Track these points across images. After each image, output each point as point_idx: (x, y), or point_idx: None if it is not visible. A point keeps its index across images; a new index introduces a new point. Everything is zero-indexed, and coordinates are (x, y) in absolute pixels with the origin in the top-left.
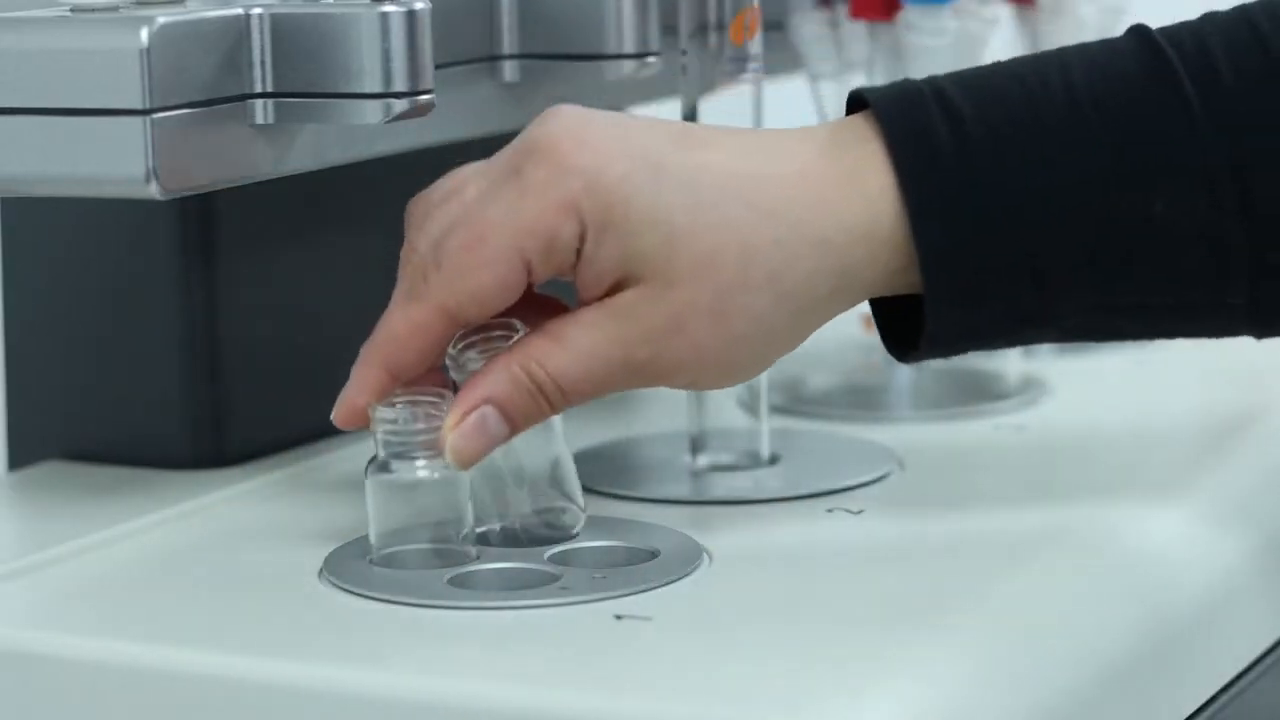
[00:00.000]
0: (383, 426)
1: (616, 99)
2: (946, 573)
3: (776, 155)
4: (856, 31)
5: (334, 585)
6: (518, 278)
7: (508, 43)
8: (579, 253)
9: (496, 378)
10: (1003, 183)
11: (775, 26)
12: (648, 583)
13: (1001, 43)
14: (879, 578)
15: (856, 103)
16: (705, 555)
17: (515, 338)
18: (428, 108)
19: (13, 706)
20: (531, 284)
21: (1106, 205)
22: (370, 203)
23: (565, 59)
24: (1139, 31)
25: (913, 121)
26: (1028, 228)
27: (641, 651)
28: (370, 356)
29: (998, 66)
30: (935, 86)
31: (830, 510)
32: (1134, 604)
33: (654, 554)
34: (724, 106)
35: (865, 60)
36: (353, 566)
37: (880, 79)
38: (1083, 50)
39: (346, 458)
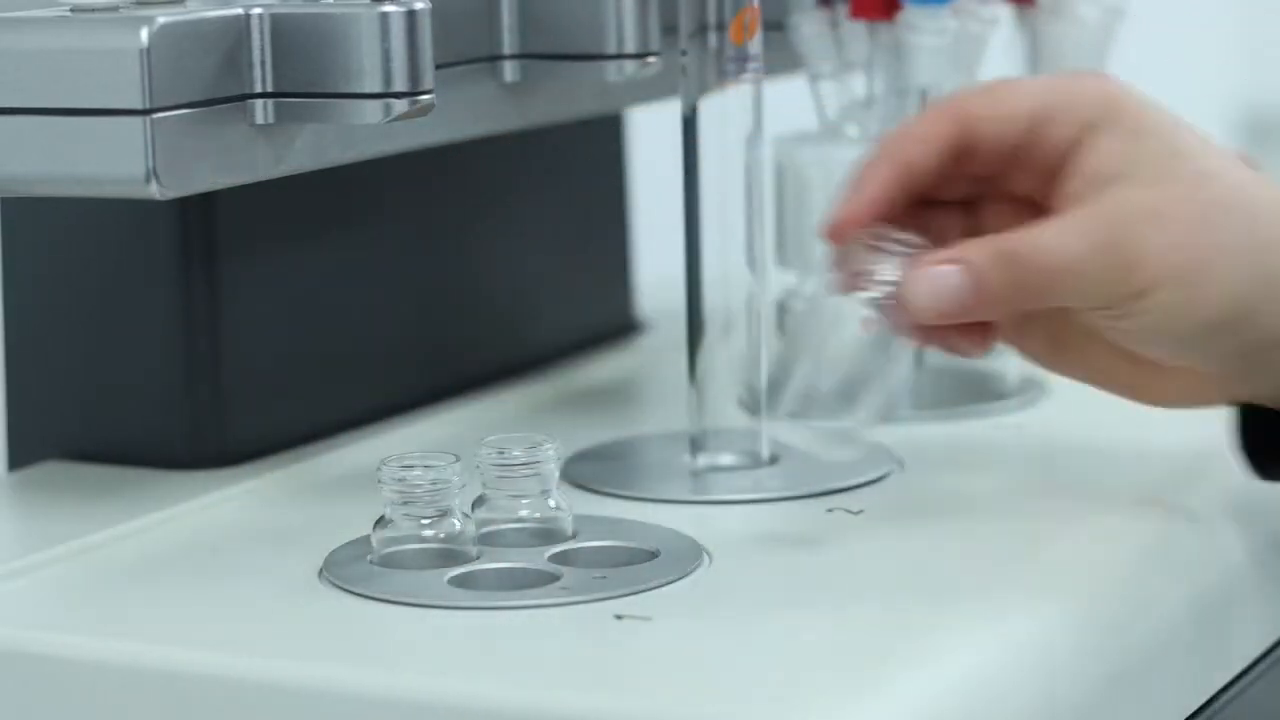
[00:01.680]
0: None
1: (616, 99)
2: (946, 573)
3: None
4: (856, 31)
5: (334, 585)
6: (1041, 117)
7: (508, 43)
8: (1086, 138)
9: (971, 245)
10: None
11: (775, 26)
12: (648, 583)
13: (1001, 43)
14: (879, 578)
15: None
16: (705, 555)
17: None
18: (428, 108)
19: (13, 706)
20: (1031, 150)
21: None
22: (370, 203)
23: (565, 59)
24: None
25: None
26: None
27: (641, 651)
28: (879, 155)
29: None
30: None
31: (830, 510)
32: (1134, 604)
33: (654, 554)
34: (724, 106)
35: (865, 60)
36: (353, 566)
37: (880, 79)
38: None
39: (346, 458)
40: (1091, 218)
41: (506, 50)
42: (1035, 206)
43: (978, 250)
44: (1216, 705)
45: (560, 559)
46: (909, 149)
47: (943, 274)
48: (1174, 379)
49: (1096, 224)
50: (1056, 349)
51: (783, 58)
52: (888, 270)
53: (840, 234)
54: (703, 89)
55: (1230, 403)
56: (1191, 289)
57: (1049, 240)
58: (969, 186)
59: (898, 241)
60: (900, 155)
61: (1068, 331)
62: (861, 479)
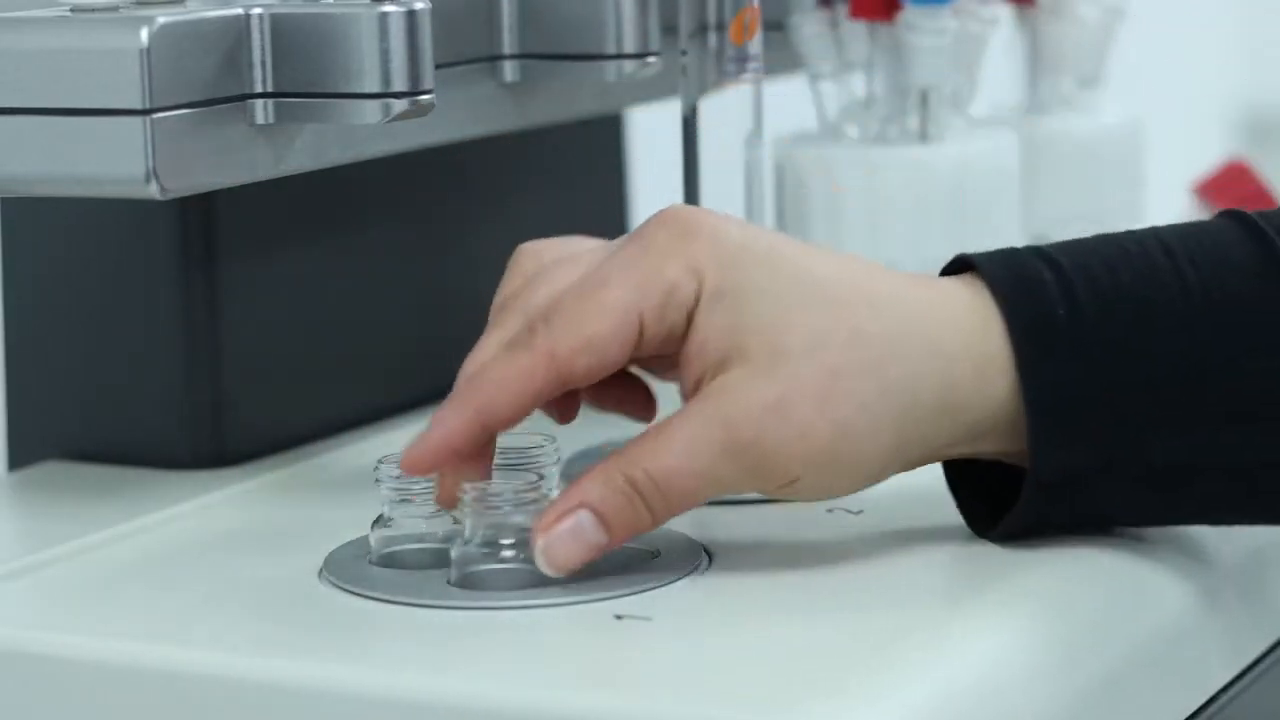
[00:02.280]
0: (472, 507)
1: (616, 99)
2: (946, 573)
3: (885, 270)
4: (856, 31)
5: (334, 585)
6: (631, 332)
7: (508, 43)
8: (689, 319)
9: (592, 482)
10: (1115, 347)
11: (775, 26)
12: (648, 583)
13: (1001, 43)
14: (879, 578)
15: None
16: (705, 555)
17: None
18: (428, 108)
19: (13, 706)
20: (636, 352)
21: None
22: (370, 203)
23: (565, 59)
24: (1236, 216)
25: (1025, 289)
26: (1135, 384)
27: (641, 651)
28: (462, 400)
29: (1098, 241)
30: (1041, 253)
31: (830, 510)
32: (1134, 603)
33: (654, 554)
34: (724, 106)
35: (865, 60)
36: (353, 566)
37: (880, 79)
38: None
39: (346, 458)
40: (710, 423)
41: (506, 50)
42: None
43: (600, 487)
44: (1216, 705)
45: None
46: (494, 397)
47: (566, 529)
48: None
49: (717, 430)
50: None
51: (783, 58)
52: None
53: (414, 471)
54: (703, 89)
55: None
56: (839, 464)
57: (675, 458)
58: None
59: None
60: (483, 401)
61: None
62: None
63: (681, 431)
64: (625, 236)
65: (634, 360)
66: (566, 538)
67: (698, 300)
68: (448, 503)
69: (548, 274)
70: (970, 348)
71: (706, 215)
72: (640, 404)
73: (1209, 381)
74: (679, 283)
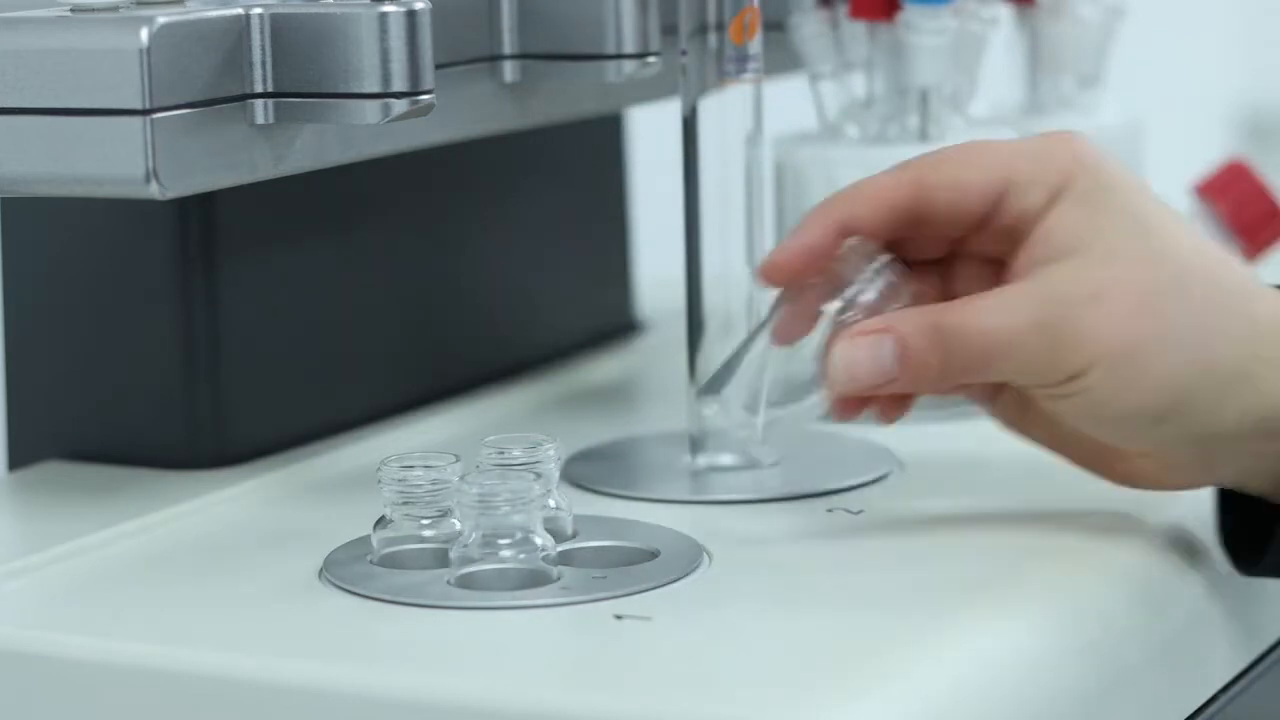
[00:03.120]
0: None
1: (616, 99)
2: (946, 573)
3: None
4: (856, 31)
5: (334, 585)
6: (999, 190)
7: (508, 43)
8: (1047, 207)
9: (903, 315)
10: None
11: (775, 26)
12: (648, 583)
13: (1001, 43)
14: (879, 578)
15: None
16: (705, 555)
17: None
18: (428, 108)
19: (13, 706)
20: (989, 219)
21: None
22: (370, 203)
23: (565, 59)
24: None
25: None
26: None
27: (641, 651)
28: (823, 209)
29: None
30: None
31: (830, 510)
32: (1134, 603)
33: (654, 554)
34: (724, 106)
35: (865, 60)
36: (353, 566)
37: (880, 79)
38: None
39: (346, 458)
40: (1031, 294)
41: (506, 50)
42: (1005, 267)
43: (909, 321)
44: (1216, 705)
45: (560, 559)
46: (856, 205)
47: (868, 344)
48: (1138, 461)
49: (1035, 301)
50: (1023, 415)
51: (783, 58)
52: (858, 292)
53: (771, 277)
54: (703, 89)
55: (1198, 486)
56: (1126, 375)
57: (984, 316)
58: (939, 247)
59: (872, 268)
60: (845, 209)
61: (1034, 401)
62: (861, 479)
63: (998, 298)
64: None
65: (975, 240)
66: (865, 350)
67: (1060, 192)
68: (791, 336)
69: None
70: (1270, 336)
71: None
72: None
73: None
74: (1054, 169)
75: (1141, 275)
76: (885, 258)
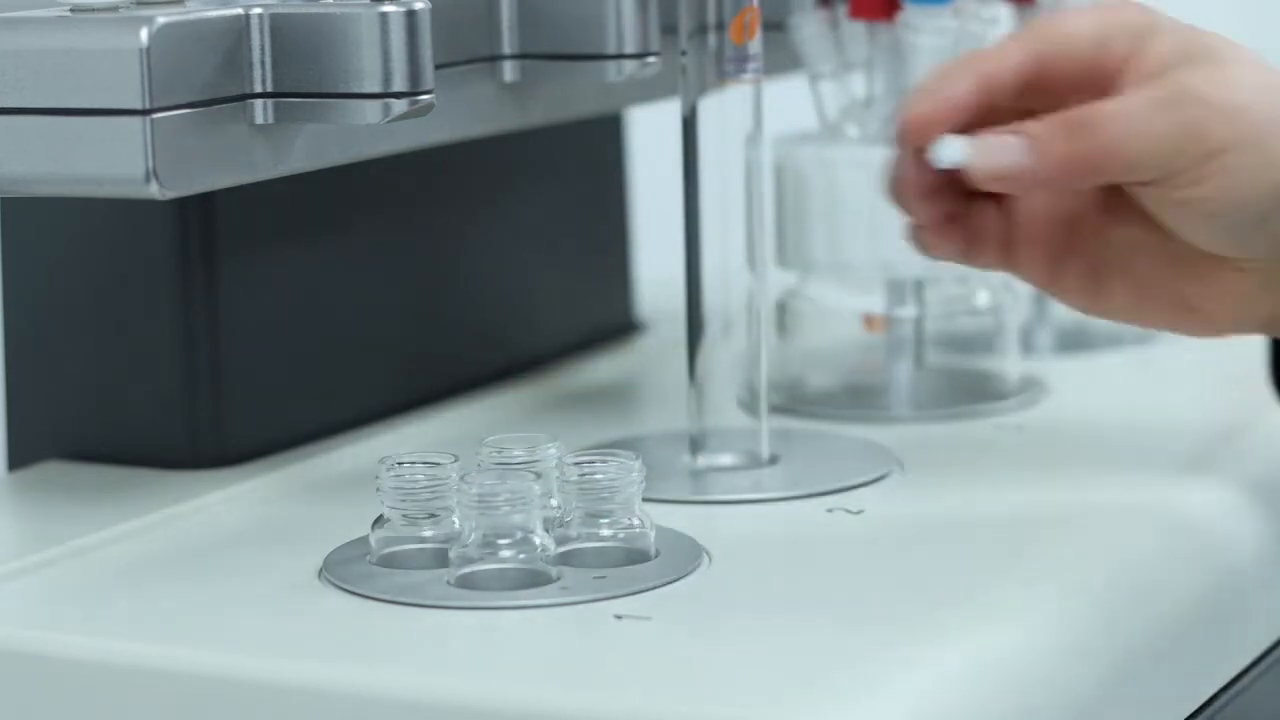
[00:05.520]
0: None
1: (616, 99)
2: (946, 573)
3: None
4: (856, 31)
5: (334, 585)
6: (1097, 36)
7: (508, 43)
8: (1135, 53)
9: (1035, 120)
10: None
11: (775, 26)
12: (648, 583)
13: None
14: (879, 578)
15: None
16: (705, 555)
17: None
18: (428, 108)
19: (13, 706)
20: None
21: None
22: (370, 203)
23: (565, 59)
24: None
25: None
26: None
27: (641, 651)
28: (961, 67)
29: None
30: None
31: (830, 510)
32: (1133, 603)
33: (654, 554)
34: (724, 106)
35: (865, 60)
36: (353, 566)
37: (880, 79)
38: None
39: (346, 458)
40: (1159, 87)
41: (506, 50)
42: None
43: (1040, 123)
44: (1216, 705)
45: (560, 559)
46: (989, 63)
47: (1003, 141)
48: (1223, 289)
49: (1164, 92)
50: (1097, 279)
51: (783, 58)
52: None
53: (920, 131)
54: (703, 89)
55: (1275, 326)
56: (1263, 149)
57: (1115, 106)
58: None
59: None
60: (981, 67)
61: (1109, 254)
62: (861, 479)
63: (1134, 93)
64: None
65: (1085, 79)
66: (1002, 144)
67: (1150, 30)
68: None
69: None
70: None
71: None
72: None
73: None
74: (1133, 12)
75: (1260, 74)
76: None
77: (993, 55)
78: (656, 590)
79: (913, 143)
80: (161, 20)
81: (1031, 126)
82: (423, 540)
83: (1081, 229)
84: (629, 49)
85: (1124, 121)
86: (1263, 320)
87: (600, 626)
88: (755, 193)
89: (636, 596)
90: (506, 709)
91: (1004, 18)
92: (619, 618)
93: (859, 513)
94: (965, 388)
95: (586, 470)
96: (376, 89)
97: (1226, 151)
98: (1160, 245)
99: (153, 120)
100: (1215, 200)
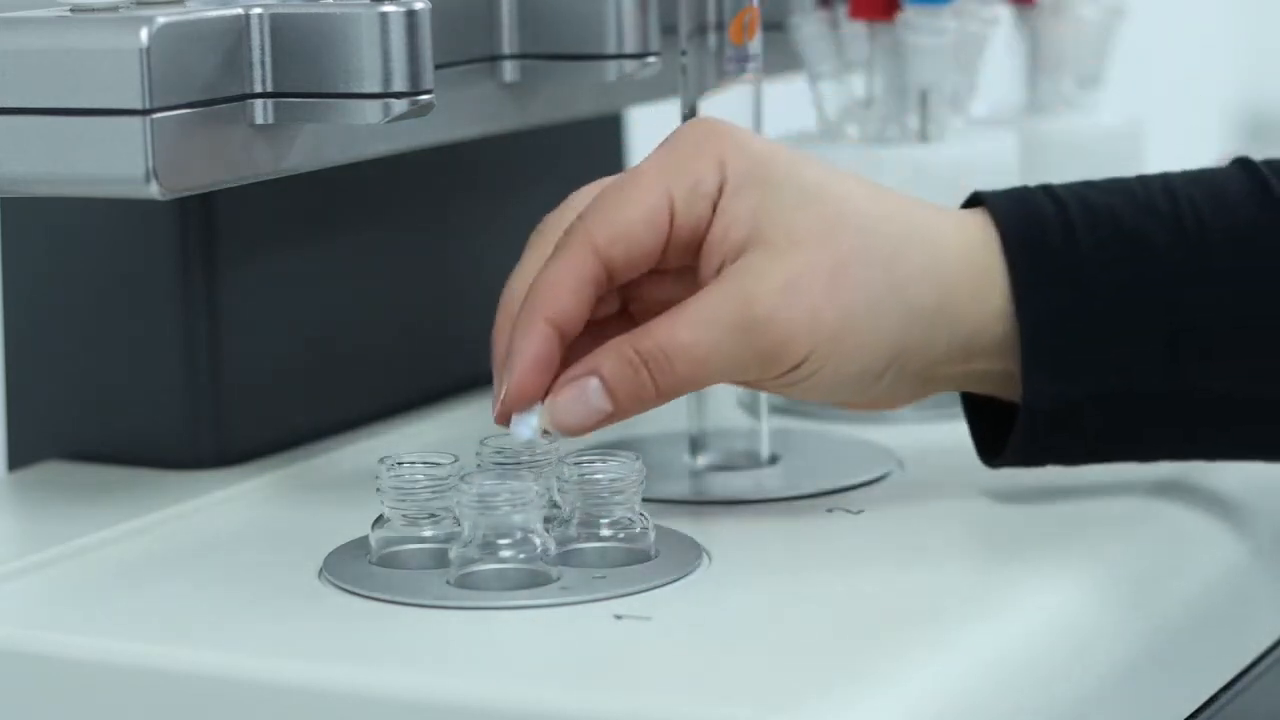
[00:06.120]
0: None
1: (616, 99)
2: (946, 573)
3: (893, 191)
4: (856, 31)
5: (334, 585)
6: (663, 218)
7: (508, 43)
8: (714, 207)
9: (604, 353)
10: (1107, 276)
11: (775, 26)
12: (648, 583)
13: (1001, 43)
14: (879, 578)
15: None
16: (705, 555)
17: None
18: (428, 108)
19: (13, 706)
20: (668, 243)
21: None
22: (370, 203)
23: (565, 59)
24: (1241, 161)
25: (1024, 216)
26: (1126, 315)
27: (641, 651)
28: (529, 313)
29: (1108, 182)
30: (1048, 189)
31: (830, 510)
32: (1134, 604)
33: (654, 554)
34: (724, 106)
35: (865, 60)
36: (353, 566)
37: (880, 79)
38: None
39: (346, 458)
40: (725, 297)
41: (506, 50)
42: (693, 272)
43: (609, 357)
44: (1216, 705)
45: (560, 559)
46: (550, 303)
47: (570, 392)
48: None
49: (732, 305)
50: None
51: (783, 58)
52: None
53: (522, 407)
54: (703, 89)
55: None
56: (842, 351)
57: (682, 331)
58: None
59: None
60: (545, 312)
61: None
62: (861, 479)
63: (695, 307)
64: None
65: (662, 267)
66: (572, 401)
67: (721, 190)
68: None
69: (583, 195)
70: (971, 261)
71: (730, 124)
72: None
73: (1199, 315)
74: (705, 174)
75: (826, 251)
76: None
77: (551, 288)
78: (656, 590)
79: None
80: (161, 20)
81: (604, 364)
82: (423, 540)
83: None
84: (629, 49)
85: (695, 347)
86: (912, 402)
87: (600, 626)
88: None
89: (636, 596)
90: (506, 709)
91: (1004, 18)
92: (619, 618)
93: (859, 513)
94: None
95: (586, 470)
96: (376, 89)
97: (804, 364)
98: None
99: (153, 120)
100: (809, 394)
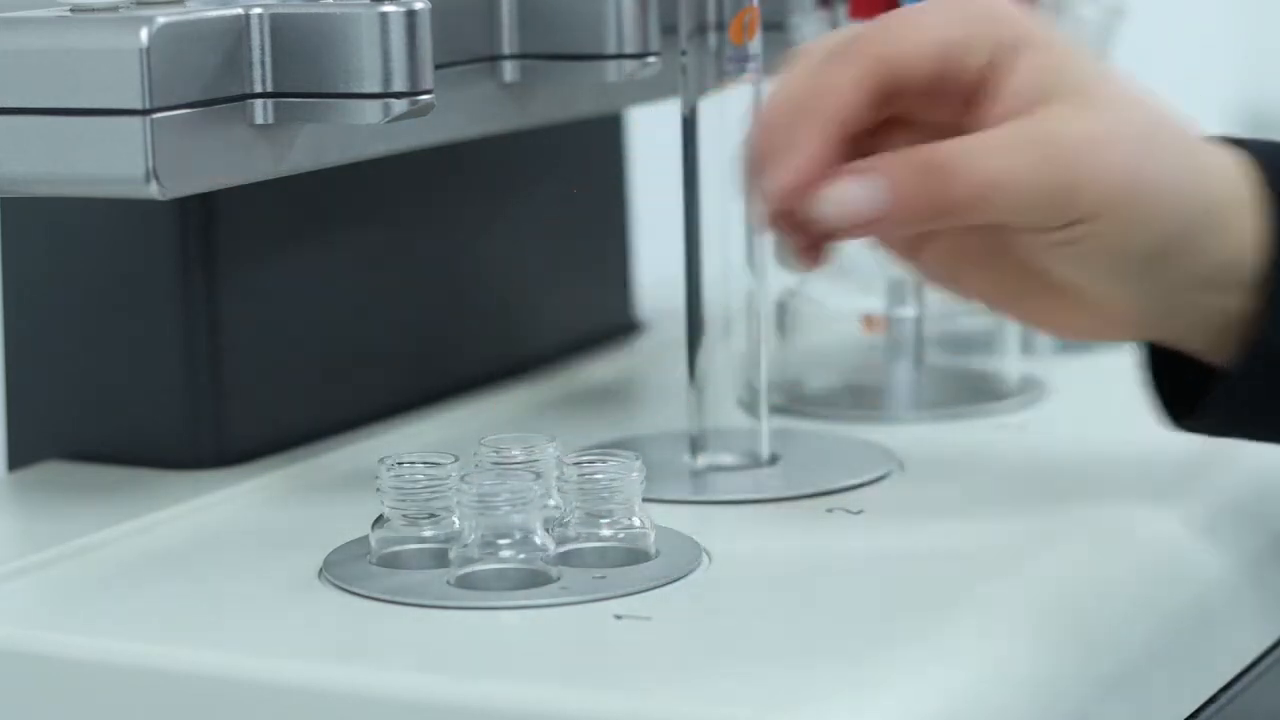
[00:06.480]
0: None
1: (616, 99)
2: (946, 573)
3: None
4: None
5: (334, 585)
6: (957, 46)
7: (508, 43)
8: (1005, 61)
9: (889, 156)
10: None
11: (775, 26)
12: (648, 583)
13: None
14: (879, 578)
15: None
16: (705, 555)
17: None
18: (428, 108)
19: (13, 706)
20: (944, 78)
21: None
22: (370, 203)
23: (565, 59)
24: None
25: None
26: None
27: (641, 651)
28: (806, 119)
29: None
30: None
31: (830, 510)
32: (1134, 604)
33: (654, 554)
34: (724, 106)
35: None
36: (353, 566)
37: None
38: None
39: (346, 458)
40: (1028, 133)
41: (506, 50)
42: (952, 130)
43: (897, 160)
44: (1216, 705)
45: (560, 559)
46: (831, 105)
47: (853, 180)
48: (1084, 312)
49: (1034, 141)
50: (956, 266)
51: (783, 58)
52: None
53: (790, 201)
54: (703, 89)
55: (1138, 340)
56: (1134, 216)
57: (980, 152)
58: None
59: None
60: (826, 112)
61: (972, 249)
62: (861, 479)
63: (995, 133)
64: None
65: (911, 114)
66: (854, 186)
67: (1016, 44)
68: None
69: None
70: (1234, 183)
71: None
72: None
73: None
74: (1004, 20)
75: (1134, 116)
76: None
77: (831, 92)
78: (656, 590)
79: (786, 212)
80: (161, 20)
81: (890, 164)
82: (423, 540)
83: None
84: (629, 49)
85: (988, 169)
86: (1126, 339)
87: (600, 626)
88: None
89: (636, 596)
90: (506, 709)
91: None
92: (619, 618)
93: (859, 513)
94: (965, 388)
95: (586, 470)
96: (376, 89)
97: (1092, 219)
98: (1038, 264)
99: (153, 120)
100: (1080, 258)
